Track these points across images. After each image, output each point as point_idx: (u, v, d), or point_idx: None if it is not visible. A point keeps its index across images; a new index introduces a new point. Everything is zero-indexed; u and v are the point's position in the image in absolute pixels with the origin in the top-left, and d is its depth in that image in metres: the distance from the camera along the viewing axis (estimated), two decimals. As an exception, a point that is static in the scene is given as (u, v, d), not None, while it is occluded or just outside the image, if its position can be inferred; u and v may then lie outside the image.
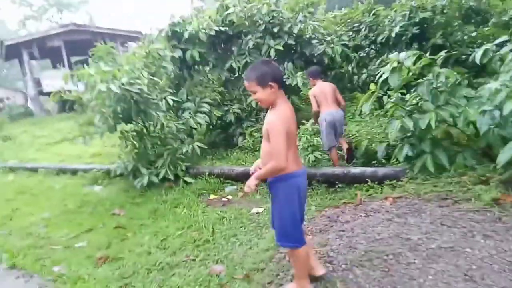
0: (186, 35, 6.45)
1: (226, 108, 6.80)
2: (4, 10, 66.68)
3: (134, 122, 5.74)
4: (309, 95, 4.99)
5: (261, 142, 2.25)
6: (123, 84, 4.85)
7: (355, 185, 4.12)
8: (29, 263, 3.39)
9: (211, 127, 7.25)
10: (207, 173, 5.30)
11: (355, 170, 4.22)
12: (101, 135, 5.64)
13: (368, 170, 4.14)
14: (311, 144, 4.28)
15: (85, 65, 5.39)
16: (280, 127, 1.95)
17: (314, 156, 4.27)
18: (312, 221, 3.46)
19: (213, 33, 6.61)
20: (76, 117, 17.35)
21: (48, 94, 20.51)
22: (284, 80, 2.18)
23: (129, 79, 5.00)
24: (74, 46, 20.78)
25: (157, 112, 5.61)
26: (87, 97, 5.71)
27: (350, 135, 5.03)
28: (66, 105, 20.99)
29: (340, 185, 4.21)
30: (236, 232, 3.50)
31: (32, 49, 19.07)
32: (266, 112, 2.15)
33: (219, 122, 6.95)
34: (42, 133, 11.98)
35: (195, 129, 6.58)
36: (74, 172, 6.98)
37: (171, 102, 6.01)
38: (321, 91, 4.80)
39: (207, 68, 7.19)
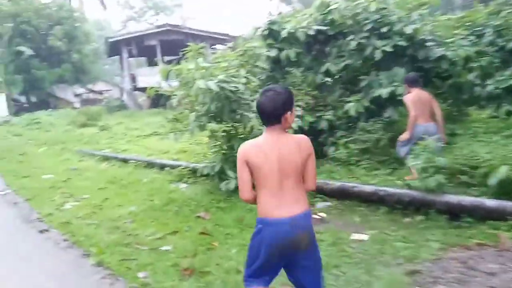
0: (283, 33, 6.08)
1: (318, 114, 6.26)
2: (110, 11, 74.65)
3: (224, 122, 5.51)
4: (405, 101, 4.48)
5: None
6: (220, 82, 4.60)
7: (488, 222, 3.28)
8: (115, 262, 3.23)
9: (300, 132, 6.75)
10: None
11: (491, 202, 3.36)
12: (191, 133, 5.51)
13: (510, 204, 3.26)
14: (433, 164, 3.52)
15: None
16: (238, 157, 1.81)
17: (436, 179, 3.50)
18: (439, 263, 2.74)
19: (312, 32, 6.14)
20: (165, 113, 18.26)
21: (142, 89, 22.14)
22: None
23: (226, 77, 4.75)
24: (168, 46, 22.05)
25: (248, 113, 5.30)
26: (181, 93, 5.64)
27: (478, 158, 4.11)
28: (158, 101, 22.43)
29: (466, 219, 3.40)
30: (338, 262, 2.94)
31: (131, 46, 20.67)
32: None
33: (309, 128, 6.43)
34: (134, 126, 12.70)
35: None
36: (161, 167, 7.04)
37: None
38: (419, 100, 4.35)
39: (300, 70, 6.74)
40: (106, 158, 8.54)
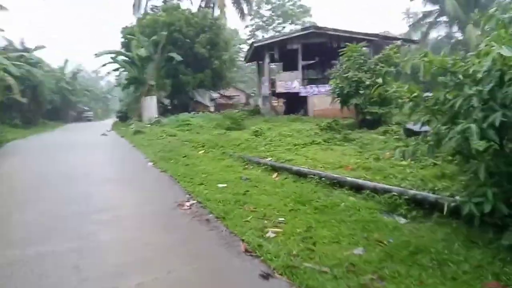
0: None
1: None
2: (235, 20, 79.03)
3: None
4: None
5: None
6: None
7: None
8: None
9: None
10: None
11: None
12: (431, 152, 3.91)
13: None
14: None
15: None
16: None
17: None
18: None
19: None
20: (304, 119, 17.13)
21: (280, 94, 21.74)
22: None
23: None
24: (307, 49, 21.12)
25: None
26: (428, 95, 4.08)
27: None
28: (294, 106, 21.73)
29: None
30: None
31: (274, 51, 20.32)
32: None
33: None
34: (286, 132, 11.77)
35: None
36: (356, 188, 5.61)
37: None
38: None
39: None
40: (274, 168, 7.58)
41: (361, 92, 12.33)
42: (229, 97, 41.52)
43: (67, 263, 3.55)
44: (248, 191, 6.04)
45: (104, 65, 29.11)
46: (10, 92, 21.81)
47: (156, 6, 34.15)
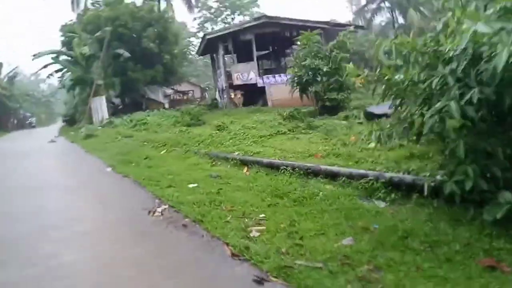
0: None
1: None
2: (183, 13, 76.70)
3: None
4: None
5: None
6: None
7: None
8: None
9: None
10: None
11: None
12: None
13: None
14: None
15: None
16: None
17: None
18: None
19: None
20: (264, 110, 17.07)
21: (237, 87, 21.42)
22: None
23: None
24: (261, 40, 20.97)
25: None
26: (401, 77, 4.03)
27: None
28: (253, 98, 21.53)
29: None
30: None
31: (227, 42, 19.92)
32: None
33: None
34: (249, 125, 11.57)
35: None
36: (331, 176, 5.54)
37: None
38: None
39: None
40: (243, 163, 7.35)
41: (318, 79, 12.42)
42: (184, 93, 40.48)
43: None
44: (221, 189, 5.76)
45: (45, 66, 27.02)
46: None
47: (97, 1, 32.12)
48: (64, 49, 27.11)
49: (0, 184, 7.89)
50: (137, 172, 7.61)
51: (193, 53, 53.48)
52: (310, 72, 12.37)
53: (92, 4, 32.16)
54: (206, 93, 47.87)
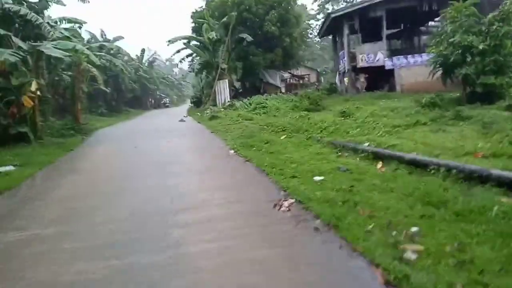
0: None
1: None
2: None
3: None
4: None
5: None
6: None
7: None
8: None
9: None
10: None
11: None
12: None
13: None
14: None
15: None
16: None
17: None
18: None
19: None
20: (392, 96, 15.23)
21: (362, 69, 19.82)
22: None
23: None
24: (393, 17, 18.75)
25: None
26: None
27: None
28: (377, 83, 19.69)
29: None
30: None
31: (354, 21, 18.40)
32: None
33: None
34: (379, 112, 10.28)
35: None
36: (510, 184, 4.17)
37: None
38: None
39: None
40: (377, 157, 6.33)
41: (469, 59, 10.23)
42: (300, 77, 39.96)
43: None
44: (353, 186, 4.94)
45: (178, 51, 29.61)
46: (94, 83, 23.10)
47: (224, -13, 33.53)
48: (194, 35, 29.17)
49: (139, 160, 8.56)
50: (259, 157, 7.30)
51: (311, 36, 52.34)
52: (459, 51, 10.26)
53: (220, -10, 33.71)
54: (322, 78, 46.49)
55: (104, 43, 29.89)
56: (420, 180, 4.94)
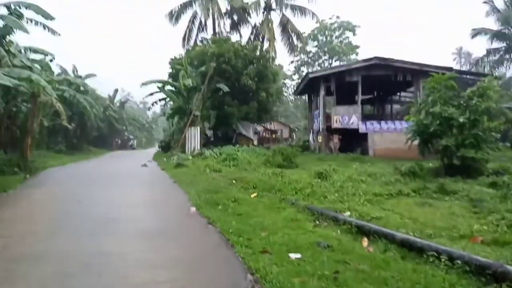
0: None
1: None
2: (279, 56, 78.67)
3: None
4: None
5: None
6: None
7: None
8: None
9: None
10: None
11: None
12: None
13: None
14: None
15: None
16: None
17: None
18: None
19: None
20: (365, 160, 14.85)
21: (334, 130, 19.69)
22: None
23: None
24: (365, 83, 19.17)
25: None
26: None
27: None
28: (351, 145, 19.57)
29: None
30: None
31: (330, 83, 18.58)
32: None
33: None
34: (356, 176, 9.61)
35: None
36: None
37: None
38: None
39: None
40: (361, 231, 5.45)
41: (450, 131, 10.02)
42: (273, 131, 40.02)
43: None
44: (338, 272, 3.95)
45: (151, 94, 28.91)
46: (57, 118, 21.57)
47: (205, 38, 34.17)
48: (170, 80, 28.76)
49: (76, 213, 7.17)
50: (225, 219, 6.21)
51: (285, 94, 53.72)
52: (438, 122, 10.06)
53: (201, 41, 34.23)
54: (294, 134, 46.97)
55: (74, 80, 28.74)
56: (418, 269, 4.04)
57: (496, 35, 33.17)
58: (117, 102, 47.01)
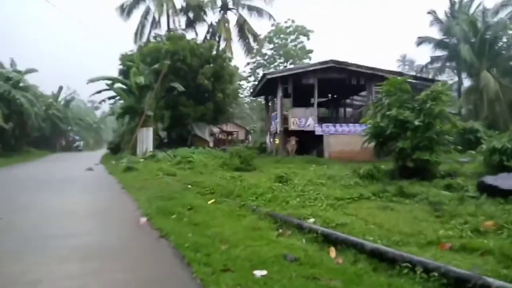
0: None
1: None
2: (236, 57, 78.56)
3: None
4: None
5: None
6: None
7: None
8: None
9: None
10: None
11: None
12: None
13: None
14: None
15: None
16: None
17: None
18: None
19: None
20: (321, 162, 14.84)
21: (293, 132, 19.61)
22: None
23: None
24: (321, 86, 19.34)
25: None
26: None
27: None
28: (307, 147, 19.55)
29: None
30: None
31: (288, 84, 18.47)
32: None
33: None
34: (316, 179, 9.39)
35: None
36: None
37: None
38: None
39: None
40: (327, 239, 5.12)
41: (405, 134, 10.16)
42: (229, 133, 39.53)
43: None
44: (309, 291, 3.55)
45: (99, 92, 27.08)
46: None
47: (159, 34, 32.82)
48: (121, 77, 27.16)
49: (6, 228, 6.15)
50: (179, 230, 5.59)
51: (241, 96, 53.44)
52: (393, 125, 10.17)
53: (154, 37, 32.84)
54: (250, 136, 46.83)
55: (11, 72, 26.13)
56: (393, 283, 3.75)
57: (439, 44, 35.40)
58: (61, 100, 43.75)
